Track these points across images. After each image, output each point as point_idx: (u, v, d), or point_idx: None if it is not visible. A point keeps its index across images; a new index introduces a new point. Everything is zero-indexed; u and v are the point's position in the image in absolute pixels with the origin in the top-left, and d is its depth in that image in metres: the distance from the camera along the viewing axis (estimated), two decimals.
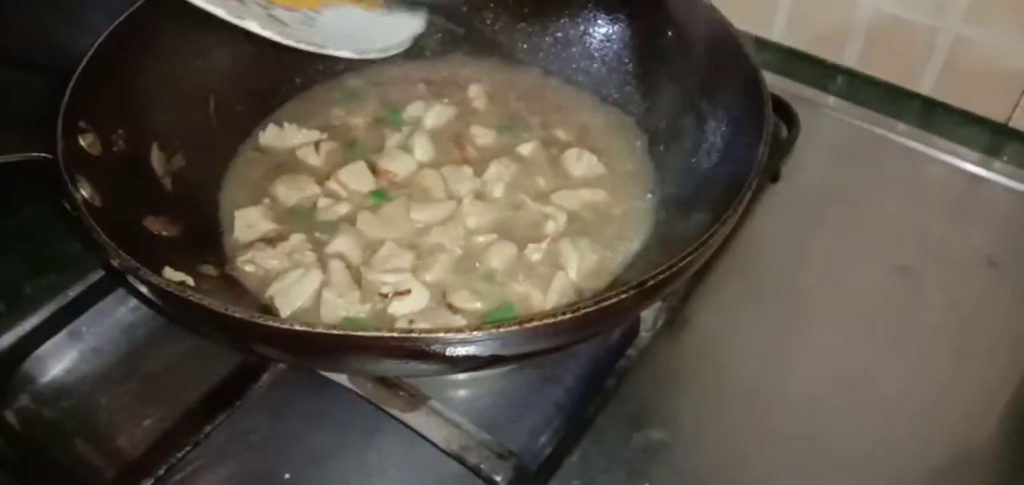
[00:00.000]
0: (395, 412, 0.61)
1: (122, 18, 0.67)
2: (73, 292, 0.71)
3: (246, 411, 0.62)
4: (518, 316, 0.48)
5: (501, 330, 0.47)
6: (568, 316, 0.48)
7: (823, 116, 0.91)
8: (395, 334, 0.47)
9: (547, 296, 0.64)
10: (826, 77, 0.95)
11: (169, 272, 0.57)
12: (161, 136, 0.68)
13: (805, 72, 0.95)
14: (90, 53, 0.64)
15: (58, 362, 0.68)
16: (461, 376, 0.65)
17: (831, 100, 0.93)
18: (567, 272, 0.66)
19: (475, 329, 0.48)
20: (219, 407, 0.61)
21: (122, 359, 0.69)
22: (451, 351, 0.48)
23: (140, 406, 0.65)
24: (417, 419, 0.60)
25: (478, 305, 0.64)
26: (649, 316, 0.67)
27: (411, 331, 0.47)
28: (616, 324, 0.63)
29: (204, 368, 0.65)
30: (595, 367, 0.66)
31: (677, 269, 0.50)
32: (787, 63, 0.96)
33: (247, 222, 0.69)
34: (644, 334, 0.66)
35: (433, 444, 0.59)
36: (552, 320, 0.48)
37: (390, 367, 0.55)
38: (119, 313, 0.71)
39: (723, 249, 0.72)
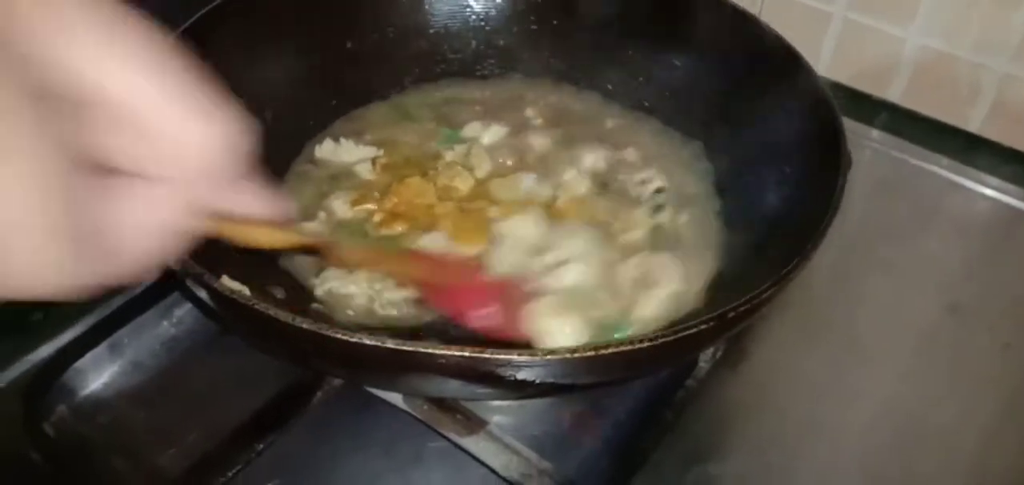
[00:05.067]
0: (452, 435, 0.59)
1: (180, 29, 0.65)
2: (115, 303, 0.68)
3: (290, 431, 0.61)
4: (593, 343, 0.47)
5: (576, 355, 0.46)
6: (646, 345, 0.47)
7: (865, 149, 0.91)
8: (466, 353, 0.45)
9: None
10: (870, 111, 0.94)
11: (227, 280, 0.55)
12: None
13: (849, 106, 0.93)
14: None
15: (98, 375, 0.66)
16: (513, 402, 0.63)
17: (875, 134, 0.92)
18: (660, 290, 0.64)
19: (548, 353, 0.47)
20: (270, 427, 0.60)
21: (163, 374, 0.67)
22: (524, 375, 0.47)
23: (182, 424, 0.63)
24: (475, 443, 0.59)
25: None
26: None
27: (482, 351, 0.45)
28: (691, 355, 0.61)
29: (248, 385, 0.64)
30: (649, 398, 0.64)
31: (759, 302, 0.49)
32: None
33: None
34: (703, 364, 0.65)
35: (491, 470, 0.58)
36: (629, 348, 0.47)
37: (458, 388, 0.53)
38: (161, 327, 0.69)
39: None
